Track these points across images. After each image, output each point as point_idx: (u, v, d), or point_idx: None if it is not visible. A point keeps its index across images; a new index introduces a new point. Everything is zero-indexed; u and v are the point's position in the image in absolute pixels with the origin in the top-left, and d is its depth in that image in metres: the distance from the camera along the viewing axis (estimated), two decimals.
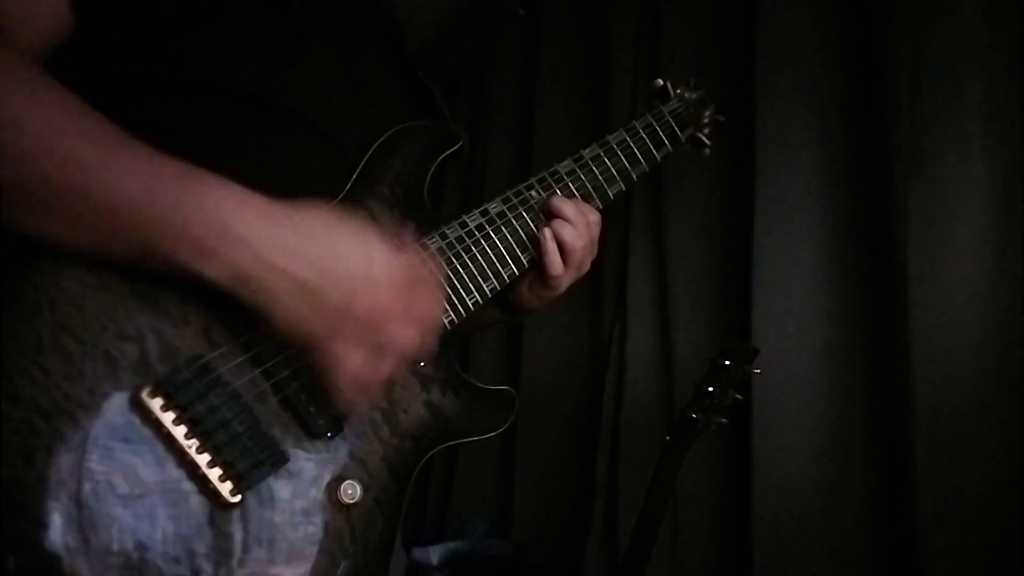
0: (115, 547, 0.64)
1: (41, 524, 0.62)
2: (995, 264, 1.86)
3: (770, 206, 2.12)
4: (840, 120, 2.09)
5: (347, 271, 0.70)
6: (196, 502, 0.68)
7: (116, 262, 0.68)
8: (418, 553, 2.27)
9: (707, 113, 1.23)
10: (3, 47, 0.69)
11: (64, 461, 0.63)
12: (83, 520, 0.63)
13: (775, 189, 2.12)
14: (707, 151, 1.25)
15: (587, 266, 1.02)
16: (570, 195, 1.01)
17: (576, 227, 0.97)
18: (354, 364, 0.72)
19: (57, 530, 0.62)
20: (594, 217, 1.00)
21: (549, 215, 0.98)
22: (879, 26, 2.00)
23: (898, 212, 1.91)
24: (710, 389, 1.63)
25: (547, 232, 0.96)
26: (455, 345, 2.81)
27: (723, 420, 1.65)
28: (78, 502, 0.63)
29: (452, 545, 2.32)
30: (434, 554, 2.26)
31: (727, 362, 1.63)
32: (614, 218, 2.51)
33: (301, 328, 0.70)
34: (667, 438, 1.66)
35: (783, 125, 2.13)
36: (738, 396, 1.67)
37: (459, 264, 0.89)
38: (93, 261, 0.68)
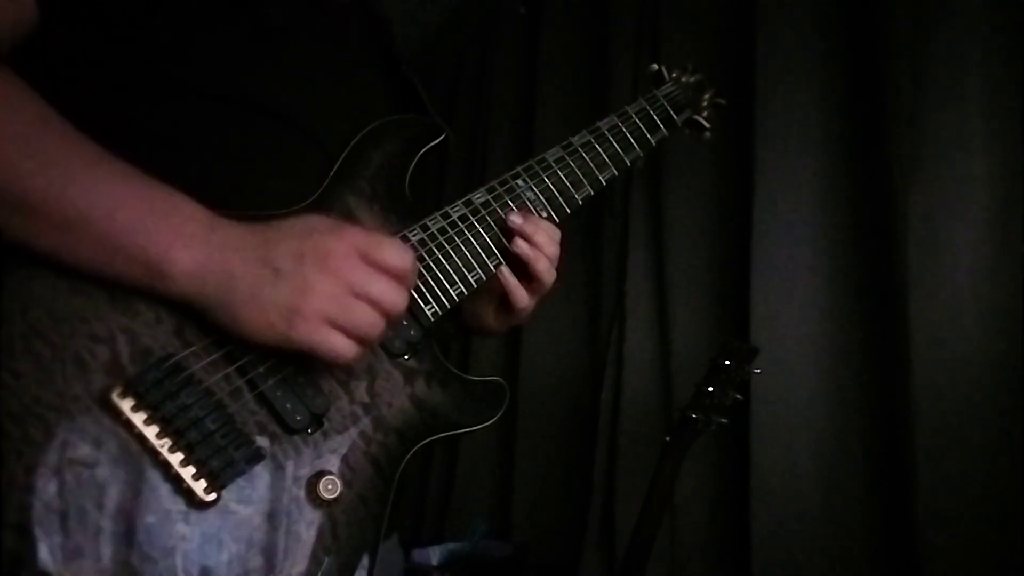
0: (89, 548, 0.63)
1: (12, 526, 0.61)
2: (995, 264, 1.85)
3: (770, 205, 2.12)
4: (840, 119, 2.09)
5: (291, 238, 0.71)
6: (171, 502, 0.67)
7: (83, 270, 0.68)
8: (418, 554, 2.27)
9: (706, 96, 1.20)
10: None
11: (34, 464, 0.63)
12: (56, 522, 0.63)
13: (775, 188, 2.12)
14: (707, 134, 1.21)
15: (551, 283, 0.96)
16: (558, 182, 0.98)
17: (538, 248, 0.92)
18: (333, 342, 0.71)
19: (29, 532, 0.62)
20: (554, 234, 0.95)
21: (509, 235, 0.93)
22: (879, 25, 1.99)
23: (898, 212, 1.91)
24: (710, 389, 1.63)
25: (504, 269, 0.91)
26: (446, 341, 2.81)
27: (723, 420, 1.65)
28: (49, 505, 0.63)
29: (452, 546, 2.33)
30: (434, 555, 2.26)
31: (727, 362, 1.64)
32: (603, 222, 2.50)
33: (269, 322, 0.70)
34: (667, 438, 1.66)
35: (783, 124, 2.13)
36: (738, 396, 1.67)
37: (442, 255, 0.87)
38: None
